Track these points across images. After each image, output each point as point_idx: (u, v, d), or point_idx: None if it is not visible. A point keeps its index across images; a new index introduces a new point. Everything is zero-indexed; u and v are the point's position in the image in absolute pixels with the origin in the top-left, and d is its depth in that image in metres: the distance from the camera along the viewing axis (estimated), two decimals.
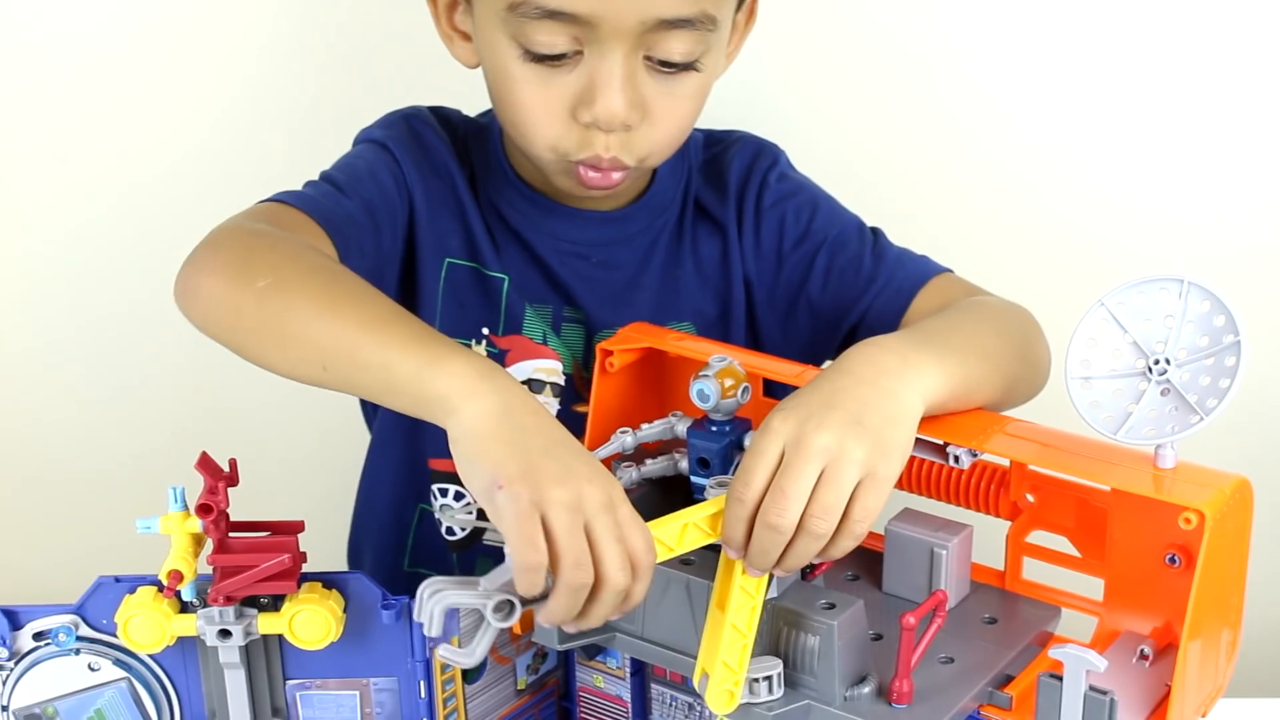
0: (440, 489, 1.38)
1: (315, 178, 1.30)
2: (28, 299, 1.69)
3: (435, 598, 0.95)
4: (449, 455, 1.34)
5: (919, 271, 1.32)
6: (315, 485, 1.61)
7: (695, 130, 1.34)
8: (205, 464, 1.06)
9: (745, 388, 1.10)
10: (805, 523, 0.97)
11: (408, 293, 1.34)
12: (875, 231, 1.36)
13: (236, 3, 1.61)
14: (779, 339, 1.37)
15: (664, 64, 1.19)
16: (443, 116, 1.38)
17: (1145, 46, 1.58)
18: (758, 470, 0.97)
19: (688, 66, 1.20)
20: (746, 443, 1.11)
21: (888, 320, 1.30)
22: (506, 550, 0.96)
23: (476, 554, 1.41)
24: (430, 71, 1.50)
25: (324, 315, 1.06)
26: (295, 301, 1.07)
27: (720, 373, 1.10)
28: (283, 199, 1.23)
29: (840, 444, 0.97)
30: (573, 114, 1.20)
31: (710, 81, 1.25)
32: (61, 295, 1.69)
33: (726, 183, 1.37)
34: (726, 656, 1.00)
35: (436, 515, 1.39)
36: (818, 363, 1.33)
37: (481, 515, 1.27)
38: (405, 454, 1.42)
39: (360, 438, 1.51)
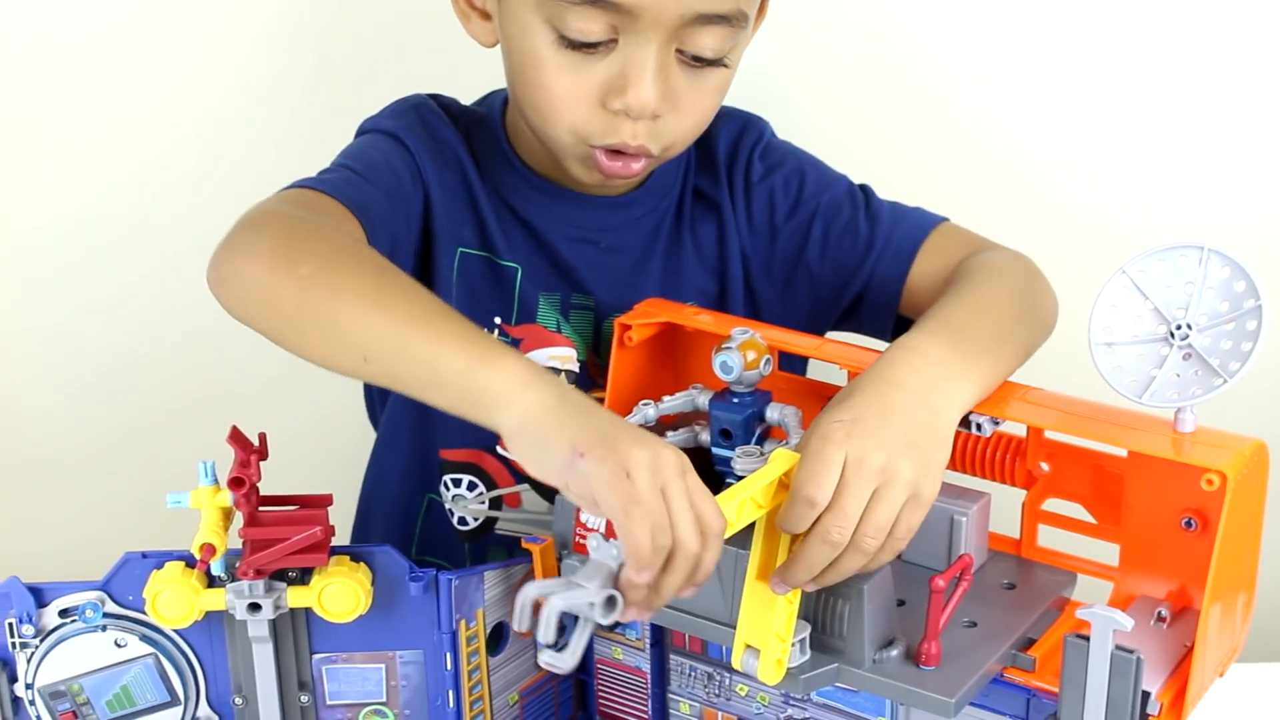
0: (453, 479, 1.39)
1: (326, 166, 1.28)
2: (46, 284, 1.69)
3: (548, 606, 0.91)
4: (461, 445, 1.35)
5: (915, 228, 1.33)
6: (316, 471, 1.61)
7: None
8: (236, 438, 1.07)
9: (767, 360, 1.12)
10: (857, 540, 0.99)
11: (423, 283, 1.33)
12: (865, 190, 1.37)
13: None
14: (778, 309, 1.38)
15: (695, 58, 1.20)
16: (443, 105, 1.38)
17: (1164, 12, 1.59)
18: (829, 477, 0.98)
19: (717, 61, 1.22)
20: (768, 415, 1.13)
21: (891, 284, 1.32)
22: (591, 545, 0.95)
23: (489, 544, 1.41)
24: (428, 58, 1.52)
25: (371, 307, 1.05)
26: (341, 291, 1.06)
27: (743, 345, 1.11)
28: (310, 184, 1.21)
29: (894, 465, 0.99)
30: (602, 101, 1.21)
31: (732, 76, 1.26)
32: (77, 280, 1.69)
33: (716, 162, 1.38)
34: (779, 628, 1.01)
35: (448, 506, 1.40)
36: (819, 332, 1.35)
37: (494, 505, 1.28)
38: (415, 444, 1.42)
39: (361, 423, 1.51)
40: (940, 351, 1.07)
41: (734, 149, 1.38)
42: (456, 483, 1.39)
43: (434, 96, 1.38)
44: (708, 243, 1.38)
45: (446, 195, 1.32)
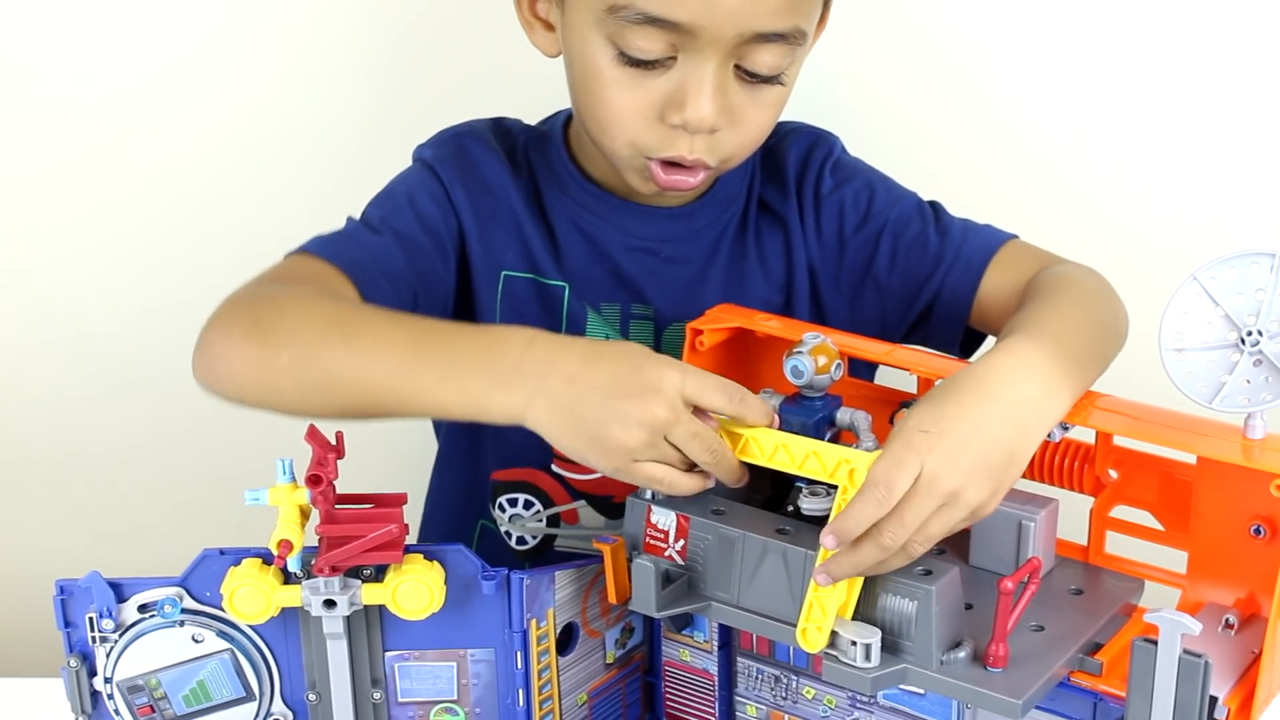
0: (509, 499, 1.40)
1: (361, 206, 1.35)
2: (126, 284, 1.73)
3: None
4: (513, 465, 1.38)
5: (985, 243, 1.34)
6: (383, 473, 1.63)
7: None
8: (314, 436, 1.09)
9: (838, 364, 1.12)
10: (907, 546, 1.01)
11: (465, 308, 1.37)
12: (935, 206, 1.38)
13: (286, 11, 1.65)
14: (846, 322, 1.39)
15: (752, 74, 1.22)
16: (502, 129, 1.41)
17: (1230, 22, 1.59)
18: (902, 483, 1.00)
19: (774, 78, 1.23)
20: (838, 419, 1.13)
21: (961, 296, 1.33)
22: None
23: (548, 562, 1.43)
24: (496, 75, 1.54)
25: (361, 374, 1.12)
26: (329, 371, 1.12)
27: (814, 350, 1.12)
28: (302, 248, 1.27)
29: (964, 487, 1.01)
30: (660, 116, 1.23)
31: (790, 90, 1.28)
32: (157, 281, 1.73)
33: (785, 176, 1.39)
34: (815, 596, 1.04)
35: (504, 528, 1.41)
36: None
37: (552, 522, 1.29)
38: (466, 469, 1.45)
39: (422, 441, 1.53)
40: (1045, 364, 1.08)
41: (804, 164, 1.39)
42: (513, 502, 1.40)
43: (497, 120, 1.41)
44: (773, 256, 1.39)
45: (482, 220, 1.35)
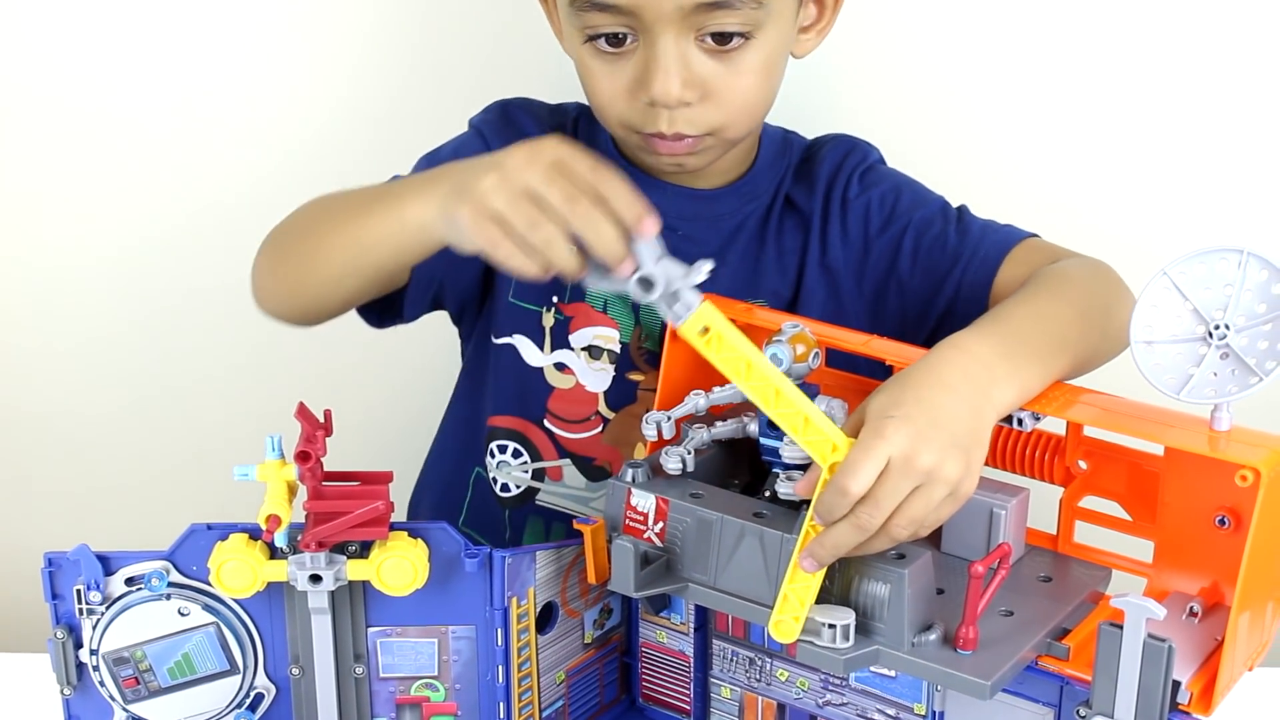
0: (500, 445, 1.43)
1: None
2: (130, 272, 1.75)
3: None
4: (509, 413, 1.41)
5: (1003, 240, 1.36)
6: (366, 453, 1.65)
7: (800, 136, 1.44)
8: (303, 413, 1.10)
9: (816, 353, 1.15)
10: (889, 528, 1.04)
11: (487, 268, 1.42)
12: (960, 209, 1.41)
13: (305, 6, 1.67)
14: (866, 323, 1.40)
15: (717, 39, 1.26)
16: (560, 109, 1.47)
17: (1203, 18, 1.61)
18: (868, 470, 1.02)
19: (742, 42, 1.27)
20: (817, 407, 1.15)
21: (977, 294, 1.35)
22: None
23: (527, 513, 1.46)
24: (497, 79, 1.57)
25: (344, 233, 1.22)
26: (320, 245, 1.25)
27: (793, 338, 1.14)
28: None
29: (940, 465, 1.03)
30: (635, 95, 1.28)
31: (774, 55, 1.31)
32: (156, 266, 1.74)
33: (815, 179, 1.42)
34: (790, 588, 1.06)
35: (492, 474, 1.43)
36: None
37: (536, 476, 1.32)
38: (468, 414, 1.48)
39: (414, 407, 1.54)
40: (989, 354, 1.10)
41: (836, 169, 1.42)
42: (503, 449, 1.43)
43: (558, 104, 1.47)
44: (790, 252, 1.42)
45: None
